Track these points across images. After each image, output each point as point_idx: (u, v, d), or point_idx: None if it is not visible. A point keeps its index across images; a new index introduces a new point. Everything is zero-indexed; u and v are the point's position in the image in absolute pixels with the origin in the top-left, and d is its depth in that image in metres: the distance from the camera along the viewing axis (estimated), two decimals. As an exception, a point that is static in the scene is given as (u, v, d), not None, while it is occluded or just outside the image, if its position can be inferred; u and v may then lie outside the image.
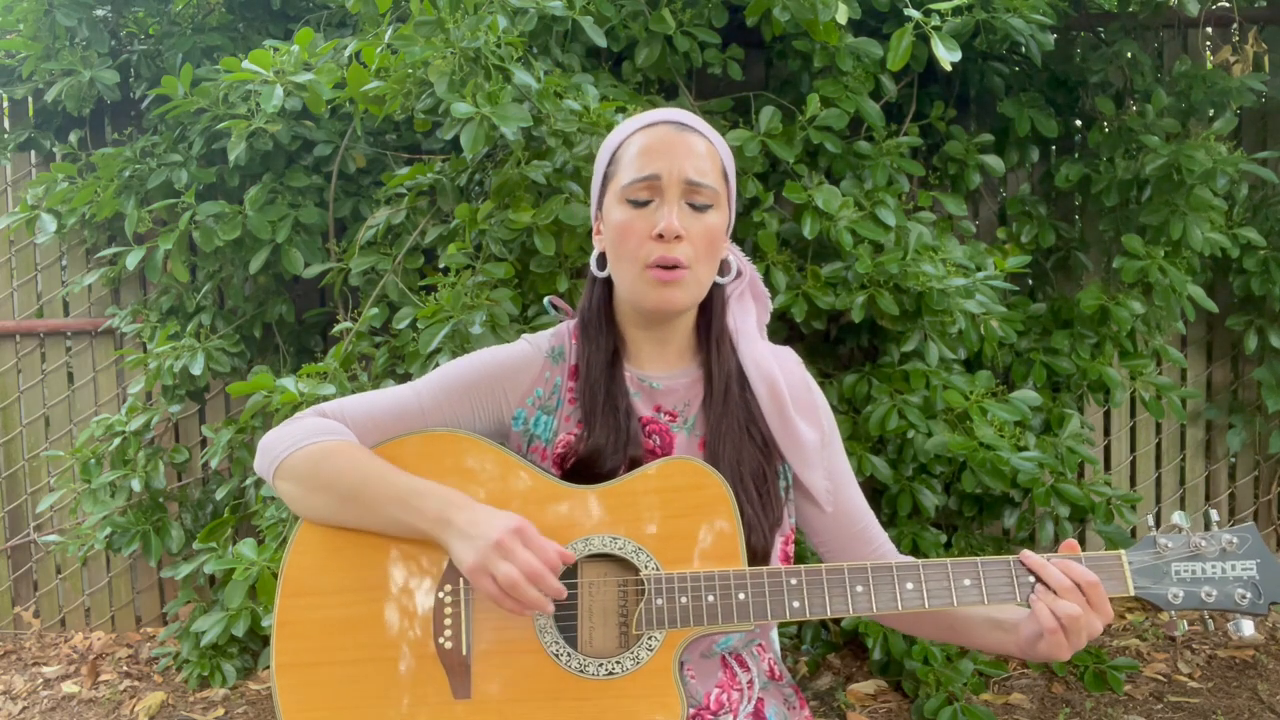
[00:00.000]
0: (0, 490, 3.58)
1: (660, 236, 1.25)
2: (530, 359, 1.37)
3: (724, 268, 1.36)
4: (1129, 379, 3.06)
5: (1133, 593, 1.18)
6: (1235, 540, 1.18)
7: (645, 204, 1.28)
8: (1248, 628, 1.17)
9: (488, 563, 1.13)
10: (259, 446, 1.31)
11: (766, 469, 1.32)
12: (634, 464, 1.28)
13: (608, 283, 1.36)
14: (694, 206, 1.28)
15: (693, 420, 1.35)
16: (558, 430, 1.34)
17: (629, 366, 1.36)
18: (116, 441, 3.10)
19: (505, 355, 1.37)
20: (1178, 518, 1.20)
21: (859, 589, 1.20)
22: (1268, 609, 1.16)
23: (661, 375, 1.37)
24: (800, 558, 1.34)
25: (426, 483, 1.23)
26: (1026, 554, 1.19)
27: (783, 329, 2.89)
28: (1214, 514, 1.22)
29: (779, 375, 1.35)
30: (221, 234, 2.84)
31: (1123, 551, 1.19)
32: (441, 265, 2.51)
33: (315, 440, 1.26)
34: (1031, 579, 1.18)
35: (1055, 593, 1.16)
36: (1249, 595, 1.16)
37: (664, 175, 1.27)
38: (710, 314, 1.37)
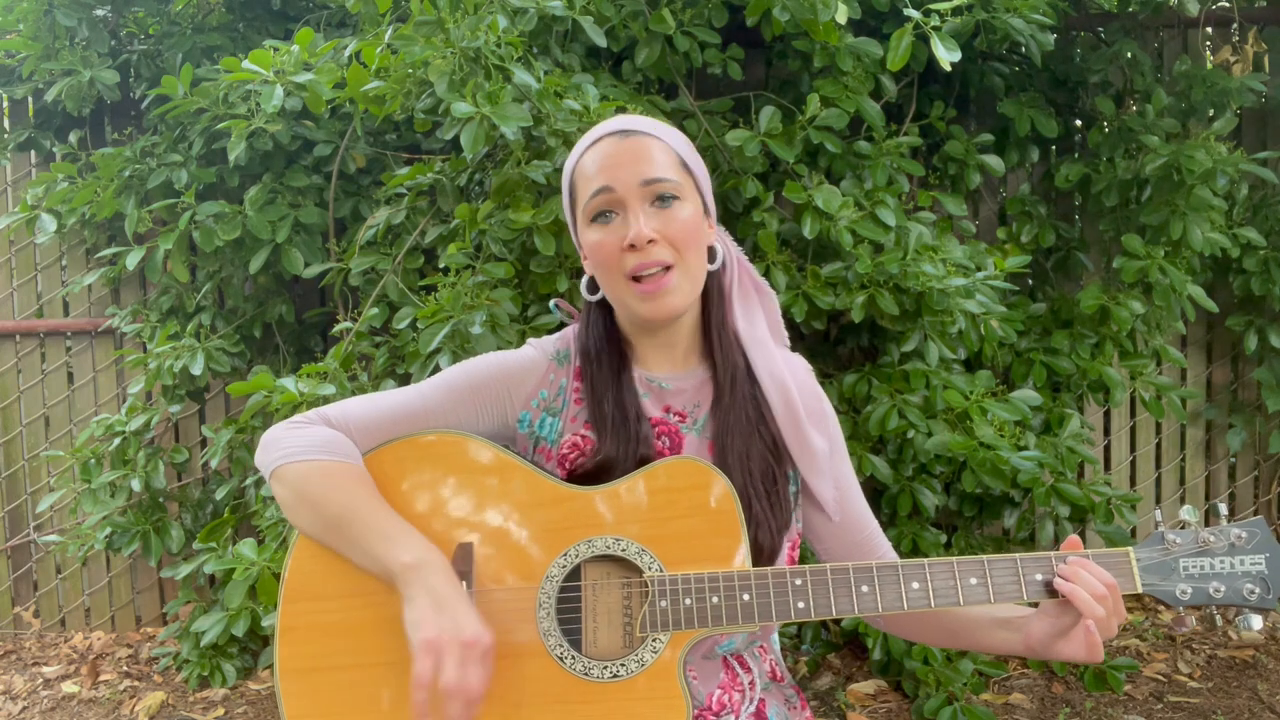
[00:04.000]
0: (0, 490, 3.57)
1: (632, 247, 1.25)
2: (535, 362, 1.37)
3: (712, 253, 1.35)
4: (1129, 379, 3.06)
5: (1140, 590, 1.17)
6: (1244, 535, 1.17)
7: (611, 220, 1.27)
8: (1256, 623, 1.16)
9: (440, 651, 1.08)
10: (262, 440, 1.30)
11: (776, 470, 1.32)
12: (643, 463, 1.27)
13: (603, 304, 1.36)
14: (660, 203, 1.27)
15: (703, 421, 1.35)
16: (563, 432, 1.34)
17: (637, 368, 1.36)
18: (116, 441, 3.10)
19: (511, 359, 1.37)
20: (1185, 512, 1.19)
21: (864, 589, 1.20)
22: (1277, 603, 1.15)
23: (670, 376, 1.36)
24: (804, 561, 1.34)
25: (407, 532, 1.20)
26: (1063, 568, 1.17)
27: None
28: (1222, 507, 1.21)
29: (793, 384, 1.35)
30: (221, 234, 2.84)
31: (1130, 549, 1.18)
32: (441, 265, 2.51)
33: (315, 457, 1.25)
34: (1038, 577, 1.18)
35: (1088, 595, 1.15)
36: (1258, 590, 1.16)
37: (617, 186, 1.26)
38: (709, 307, 1.37)
